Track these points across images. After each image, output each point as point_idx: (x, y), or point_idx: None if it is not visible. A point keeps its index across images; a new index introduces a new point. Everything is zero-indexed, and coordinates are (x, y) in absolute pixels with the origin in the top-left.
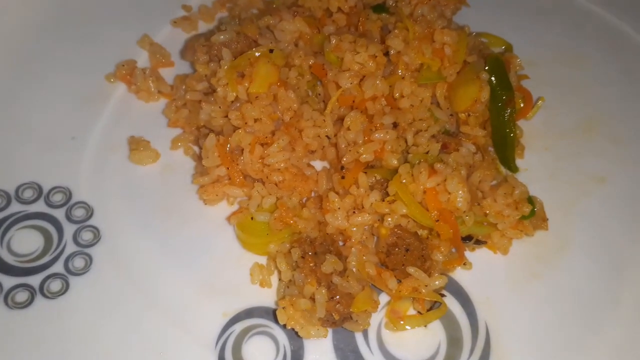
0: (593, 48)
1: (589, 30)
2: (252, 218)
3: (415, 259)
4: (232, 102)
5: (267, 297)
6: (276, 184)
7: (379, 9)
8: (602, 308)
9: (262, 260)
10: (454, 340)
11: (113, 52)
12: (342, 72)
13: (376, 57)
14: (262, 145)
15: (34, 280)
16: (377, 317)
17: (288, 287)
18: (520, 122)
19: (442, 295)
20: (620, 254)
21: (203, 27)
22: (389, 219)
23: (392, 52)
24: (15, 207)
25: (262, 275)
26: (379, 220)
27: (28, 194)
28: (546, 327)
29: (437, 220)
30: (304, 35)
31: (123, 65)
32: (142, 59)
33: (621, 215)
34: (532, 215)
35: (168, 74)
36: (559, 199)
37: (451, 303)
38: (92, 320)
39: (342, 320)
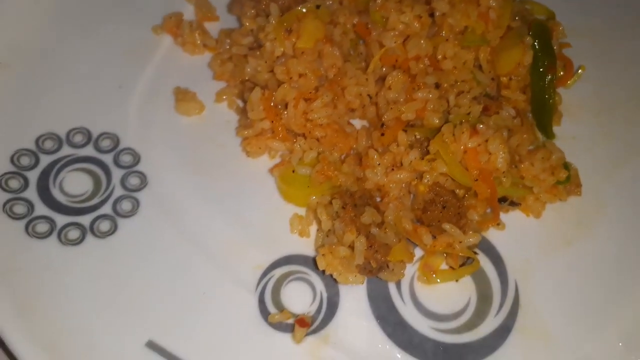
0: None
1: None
2: (293, 171)
3: (451, 216)
4: (278, 57)
5: (305, 246)
6: (318, 139)
7: None
8: (630, 276)
9: (301, 211)
10: (483, 296)
11: (160, 4)
12: (387, 31)
13: (421, 17)
14: (305, 100)
15: (85, 220)
16: (411, 270)
17: (327, 236)
18: (560, 90)
19: (475, 253)
20: None
21: None
22: (428, 177)
23: (437, 13)
24: (66, 150)
25: (301, 225)
26: (417, 178)
27: (78, 138)
28: (574, 290)
29: (476, 180)
30: None
31: (170, 18)
32: (189, 12)
33: None
34: (567, 181)
35: (213, 27)
36: (595, 167)
37: (483, 261)
38: (139, 259)
39: (379, 268)
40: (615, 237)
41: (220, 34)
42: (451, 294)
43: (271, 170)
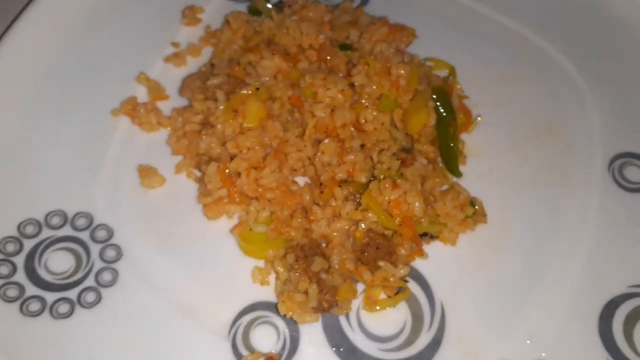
0: (523, 68)
1: (518, 51)
2: (250, 229)
3: (384, 254)
4: (228, 135)
5: (266, 293)
6: (269, 200)
7: (345, 47)
8: (532, 285)
9: (261, 263)
10: (416, 317)
11: (115, 89)
12: (317, 103)
13: (343, 90)
14: (255, 169)
15: (72, 294)
16: (356, 302)
17: (285, 284)
18: (463, 135)
19: (406, 282)
20: (547, 241)
21: (191, 61)
22: (362, 225)
23: (356, 84)
24: (46, 233)
25: (261, 276)
26: (354, 225)
27: (56, 220)
28: (489, 301)
29: (400, 225)
30: (282, 70)
31: (126, 103)
32: (141, 93)
33: (547, 211)
34: (474, 214)
35: (165, 105)
36: (498, 196)
37: (414, 287)
38: (124, 324)
39: (329, 307)
40: (520, 254)
41: (173, 112)
42: (390, 318)
43: (231, 231)
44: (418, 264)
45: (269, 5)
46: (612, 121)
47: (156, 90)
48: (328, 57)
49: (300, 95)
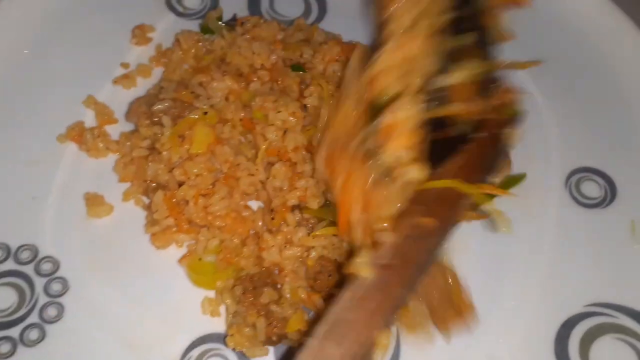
0: None
1: None
2: (200, 259)
3: (337, 282)
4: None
5: (217, 324)
6: (219, 228)
7: (296, 67)
8: (485, 306)
9: (211, 293)
10: None
11: (61, 113)
12: (268, 126)
13: (295, 112)
14: (204, 196)
15: (14, 332)
16: None
17: (234, 317)
18: None
19: None
20: (504, 260)
21: (141, 82)
22: (313, 253)
23: (309, 106)
24: None
25: (211, 307)
26: (306, 251)
27: None
28: None
29: None
30: (233, 91)
31: (73, 128)
32: (89, 117)
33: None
34: None
35: (114, 129)
36: None
37: None
38: None
39: (279, 340)
40: (475, 272)
41: (121, 136)
42: None
43: (180, 261)
44: None
45: (221, 23)
46: (568, 135)
47: (104, 114)
48: (279, 79)
49: (252, 117)
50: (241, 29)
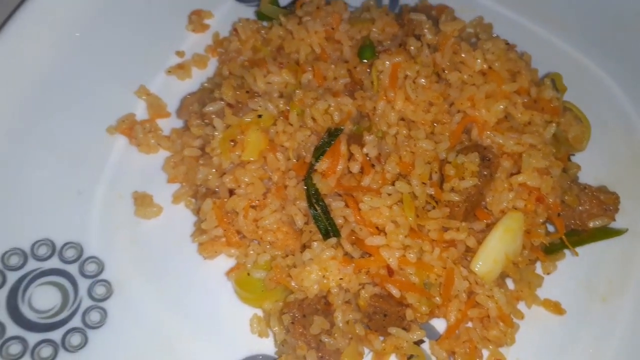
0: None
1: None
2: (248, 274)
3: (394, 320)
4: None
5: (265, 345)
6: (270, 243)
7: (365, 50)
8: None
9: (259, 311)
10: None
11: (111, 104)
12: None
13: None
14: (254, 208)
15: (56, 335)
16: None
17: (283, 345)
18: None
19: (422, 341)
20: None
21: (196, 73)
22: (364, 292)
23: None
24: (31, 265)
25: (259, 327)
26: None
27: (42, 250)
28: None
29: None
30: (290, 85)
31: (123, 121)
32: (140, 109)
33: None
34: None
35: (166, 123)
36: None
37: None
38: None
39: None
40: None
41: (172, 133)
42: None
43: (227, 274)
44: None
45: (279, 8)
46: None
47: (156, 106)
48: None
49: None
50: (301, 11)
